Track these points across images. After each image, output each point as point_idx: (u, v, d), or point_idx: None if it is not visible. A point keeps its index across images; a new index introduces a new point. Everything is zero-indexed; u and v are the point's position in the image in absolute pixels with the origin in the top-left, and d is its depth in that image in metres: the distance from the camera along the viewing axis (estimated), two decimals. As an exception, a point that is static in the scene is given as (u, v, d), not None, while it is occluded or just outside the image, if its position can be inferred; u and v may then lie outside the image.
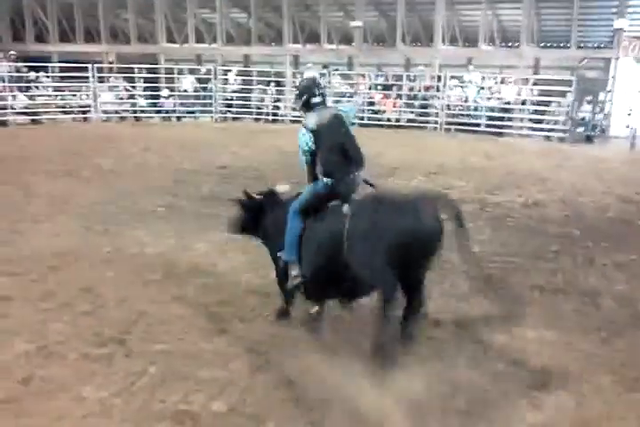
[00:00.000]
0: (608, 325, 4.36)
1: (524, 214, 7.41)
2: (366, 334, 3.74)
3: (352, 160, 3.89)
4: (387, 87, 16.77)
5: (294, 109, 16.71)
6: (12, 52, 18.24)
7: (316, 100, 4.05)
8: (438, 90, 15.74)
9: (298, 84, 4.49)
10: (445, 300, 4.77)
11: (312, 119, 3.94)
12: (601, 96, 14.92)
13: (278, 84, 17.83)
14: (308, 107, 4.06)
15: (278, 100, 17.37)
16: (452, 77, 15.96)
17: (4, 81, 15.54)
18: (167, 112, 16.78)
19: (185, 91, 17.34)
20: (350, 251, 3.55)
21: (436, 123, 15.46)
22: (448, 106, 15.46)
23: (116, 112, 16.32)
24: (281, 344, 3.97)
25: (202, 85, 17.38)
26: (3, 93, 15.08)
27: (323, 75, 17.28)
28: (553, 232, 6.65)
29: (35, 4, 23.96)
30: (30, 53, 21.33)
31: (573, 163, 11.13)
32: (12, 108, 15.20)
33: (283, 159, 10.56)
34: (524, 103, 15.18)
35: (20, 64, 17.10)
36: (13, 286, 4.87)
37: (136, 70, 17.17)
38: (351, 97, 16.78)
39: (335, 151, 3.87)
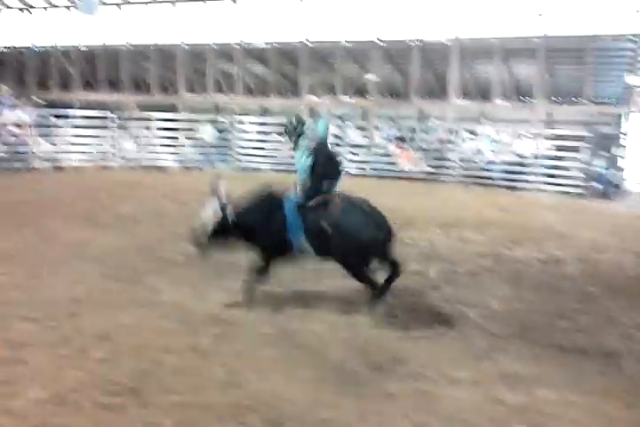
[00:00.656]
0: (632, 388, 4.26)
1: (542, 271, 7.34)
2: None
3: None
4: (401, 139, 17.01)
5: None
6: (37, 100, 18.87)
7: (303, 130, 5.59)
8: (452, 143, 15.95)
9: (288, 123, 5.74)
10: (462, 357, 4.70)
11: (306, 142, 5.51)
12: (615, 151, 15.04)
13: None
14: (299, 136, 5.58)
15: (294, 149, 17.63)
16: (466, 131, 16.20)
17: (29, 128, 15.98)
18: (185, 161, 17.07)
19: (203, 140, 17.70)
20: None
21: (451, 175, 15.59)
22: (463, 159, 15.62)
23: (136, 160, 16.63)
24: (296, 398, 3.92)
25: (220, 135, 17.75)
26: (27, 140, 15.46)
27: (339, 126, 17.62)
28: (572, 290, 6.59)
29: (60, 53, 24.90)
30: (54, 101, 22.00)
31: (590, 218, 11.11)
32: (34, 154, 15.54)
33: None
34: (538, 158, 15.31)
35: (43, 111, 17.64)
36: (30, 331, 4.87)
37: (156, 120, 17.61)
38: (367, 148, 17.03)
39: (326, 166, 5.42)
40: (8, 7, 25.89)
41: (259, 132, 18.22)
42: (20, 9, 25.63)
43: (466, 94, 19.90)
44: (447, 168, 15.80)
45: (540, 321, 5.52)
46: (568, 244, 8.83)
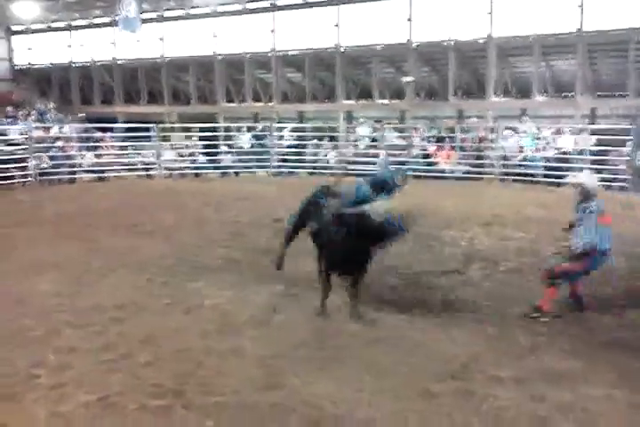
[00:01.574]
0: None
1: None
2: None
3: None
4: (440, 139, 16.86)
5: (348, 162, 17.03)
6: (80, 114, 19.47)
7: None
8: (492, 141, 15.71)
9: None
10: (504, 355, 4.63)
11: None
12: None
13: (332, 138, 18.21)
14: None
15: (331, 154, 17.70)
16: (507, 128, 15.93)
17: (73, 141, 16.49)
18: (225, 168, 17.30)
19: (242, 147, 17.92)
20: None
21: (491, 174, 15.36)
22: (504, 156, 15.37)
23: (178, 169, 16.95)
24: (335, 398, 3.93)
25: (258, 142, 17.94)
26: (72, 153, 15.94)
27: (376, 129, 17.59)
28: (618, 285, 6.41)
29: (102, 69, 25.66)
30: (98, 115, 22.66)
31: (635, 213, 10.77)
32: (80, 167, 16.01)
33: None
34: (581, 153, 14.95)
35: (88, 125, 18.18)
36: (77, 337, 5.01)
37: (196, 129, 17.92)
38: (404, 150, 16.94)
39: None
40: (53, 30, 26.82)
41: (296, 138, 18.34)
42: (65, 28, 26.51)
43: (505, 92, 19.61)
44: (487, 166, 15.57)
45: (584, 317, 5.40)
46: (613, 239, 8.58)
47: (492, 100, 18.71)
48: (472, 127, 17.03)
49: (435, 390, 4.08)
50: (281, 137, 18.09)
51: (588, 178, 6.07)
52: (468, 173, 15.63)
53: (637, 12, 16.17)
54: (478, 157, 15.93)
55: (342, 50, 20.82)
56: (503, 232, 8.92)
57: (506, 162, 15.35)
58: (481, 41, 18.34)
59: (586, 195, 5.73)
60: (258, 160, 17.45)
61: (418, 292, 6.32)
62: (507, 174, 15.03)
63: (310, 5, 21.06)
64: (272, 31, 21.90)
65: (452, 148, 16.17)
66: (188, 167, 17.19)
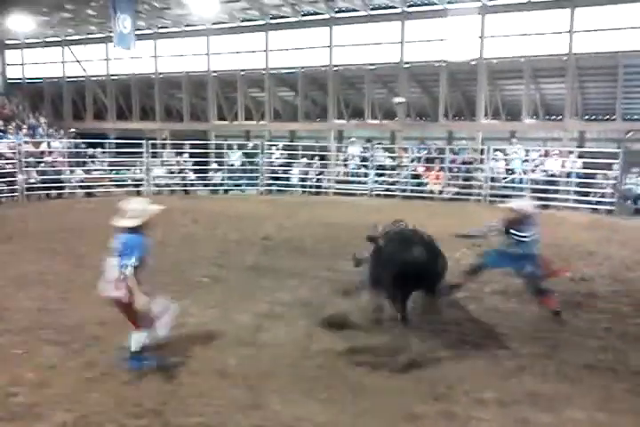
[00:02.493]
0: (664, 408, 4.12)
1: (572, 289, 7.18)
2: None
3: None
4: (429, 160, 16.98)
5: (337, 182, 17.11)
6: (71, 130, 19.47)
7: None
8: (482, 162, 15.85)
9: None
10: (489, 377, 4.62)
11: None
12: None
13: (323, 157, 18.31)
14: None
15: (322, 173, 17.76)
16: (496, 150, 16.09)
17: (63, 156, 16.47)
18: (215, 185, 17.32)
19: (232, 165, 17.95)
20: None
21: (479, 195, 15.46)
22: (492, 178, 15.49)
23: (167, 185, 16.94)
24: (317, 419, 3.90)
25: (249, 160, 17.99)
26: (62, 168, 15.91)
27: (366, 148, 17.71)
28: (602, 308, 6.43)
29: (95, 84, 25.72)
30: (89, 131, 22.66)
31: (621, 236, 10.84)
32: (69, 182, 15.97)
33: (325, 231, 10.70)
34: (569, 175, 15.10)
35: (78, 140, 18.18)
36: (58, 354, 4.96)
37: (187, 146, 17.97)
38: (394, 169, 17.05)
39: None
40: (47, 45, 26.92)
41: (287, 156, 18.43)
42: (59, 43, 26.61)
43: (495, 114, 19.81)
44: (476, 188, 15.69)
45: (568, 340, 5.40)
46: (599, 262, 8.64)
47: (481, 121, 18.87)
48: (462, 149, 17.19)
49: (418, 411, 4.07)
50: (271, 155, 18.17)
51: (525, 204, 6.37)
52: (457, 194, 15.75)
53: (626, 36, 16.45)
54: (467, 179, 16.07)
55: (335, 69, 21.00)
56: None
57: (494, 184, 15.48)
58: (472, 63, 18.55)
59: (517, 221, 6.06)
60: (248, 178, 17.48)
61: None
62: (495, 196, 15.14)
63: (304, 25, 21.28)
64: (266, 50, 22.08)
65: (442, 169, 16.29)
66: (178, 184, 17.19)
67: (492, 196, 15.19)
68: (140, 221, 5.01)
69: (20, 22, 22.00)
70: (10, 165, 14.76)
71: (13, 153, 14.90)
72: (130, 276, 4.65)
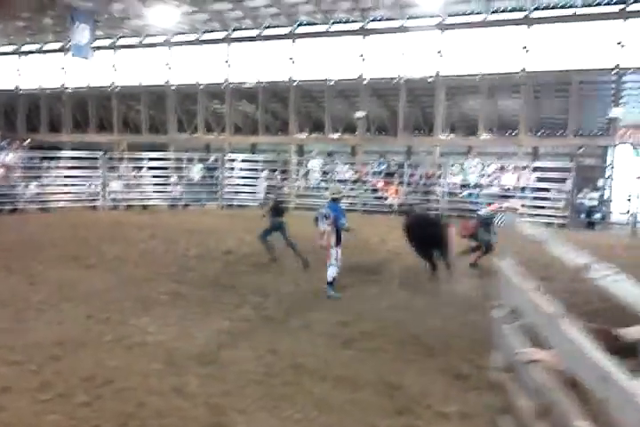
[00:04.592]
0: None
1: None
2: None
3: None
4: (389, 174, 17.19)
5: (298, 196, 17.12)
6: (25, 142, 19.00)
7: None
8: (439, 177, 16.13)
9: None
10: (451, 390, 4.66)
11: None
12: (600, 183, 15.24)
13: (284, 171, 18.33)
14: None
15: (282, 187, 17.77)
16: (453, 164, 16.40)
17: (17, 169, 16.05)
18: (174, 199, 17.13)
19: (192, 178, 17.80)
20: None
21: (437, 209, 15.71)
22: (449, 193, 15.78)
23: (124, 200, 16.66)
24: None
25: (209, 174, 17.87)
26: (14, 182, 15.50)
27: (327, 163, 17.82)
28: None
29: (50, 96, 25.22)
30: (44, 143, 22.16)
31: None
32: (23, 196, 15.55)
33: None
34: (523, 189, 15.48)
35: (33, 153, 17.75)
36: (12, 375, 4.79)
37: (145, 159, 17.76)
38: (354, 183, 17.19)
39: None
40: (1, 54, 26.33)
41: (247, 170, 18.38)
42: (14, 53, 26.05)
43: (452, 129, 20.22)
44: (434, 202, 15.94)
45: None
46: (553, 276, 8.84)
47: (439, 136, 19.24)
48: (420, 163, 17.47)
49: (381, 426, 4.07)
50: (232, 169, 18.10)
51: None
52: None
53: (579, 55, 17.05)
54: (425, 193, 16.32)
55: (295, 83, 21.12)
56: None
57: (451, 198, 15.77)
58: (430, 79, 18.93)
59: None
60: (208, 192, 17.36)
61: (365, 326, 6.32)
62: (452, 209, 15.42)
63: (265, 38, 21.38)
64: (226, 62, 22.07)
65: (400, 183, 16.51)
66: (135, 198, 16.93)
67: (449, 209, 15.47)
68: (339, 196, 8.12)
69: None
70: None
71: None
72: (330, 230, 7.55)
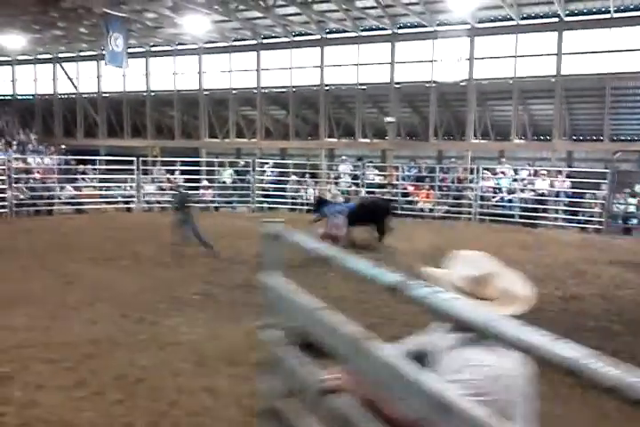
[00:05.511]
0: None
1: (562, 308, 7.21)
2: None
3: None
4: (420, 179, 17.09)
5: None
6: (61, 146, 19.41)
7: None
8: (471, 181, 15.97)
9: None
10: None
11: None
12: (637, 188, 14.90)
13: (314, 175, 18.37)
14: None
15: (313, 190, 17.81)
16: (485, 169, 16.23)
17: (53, 173, 16.41)
18: (206, 202, 17.30)
19: (224, 182, 17.97)
20: None
21: (469, 214, 15.56)
22: (482, 197, 15.60)
23: (158, 202, 16.89)
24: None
25: (240, 177, 18.02)
26: (51, 185, 15.84)
27: (357, 166, 17.79)
28: (593, 327, 6.45)
29: (86, 101, 25.74)
30: (80, 147, 22.62)
31: (610, 255, 10.93)
32: (59, 199, 15.89)
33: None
34: (557, 195, 15.24)
35: (68, 157, 18.13)
36: (48, 373, 4.88)
37: (178, 163, 17.99)
38: (384, 187, 17.13)
39: None
40: (39, 61, 26.99)
41: (277, 174, 18.47)
42: (51, 61, 26.68)
43: (484, 134, 20.03)
44: (466, 206, 15.79)
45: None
46: (589, 281, 8.69)
47: (471, 141, 19.07)
48: (451, 168, 17.34)
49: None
50: (262, 173, 18.21)
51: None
52: (447, 212, 15.84)
53: (613, 59, 16.75)
54: (457, 197, 16.17)
55: (326, 89, 21.18)
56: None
57: (484, 202, 15.59)
58: (461, 84, 18.78)
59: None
60: (239, 196, 17.49)
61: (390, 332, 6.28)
62: (485, 215, 15.24)
63: (295, 45, 21.50)
64: (257, 69, 22.26)
65: (432, 187, 16.39)
66: (169, 201, 17.15)
67: (481, 214, 15.30)
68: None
69: (12, 39, 22.06)
70: (-1, 181, 14.68)
71: (3, 169, 14.82)
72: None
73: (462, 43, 18.44)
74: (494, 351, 1.77)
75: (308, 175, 18.13)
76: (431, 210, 16.11)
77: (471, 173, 16.15)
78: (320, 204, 11.45)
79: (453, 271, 1.98)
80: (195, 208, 11.15)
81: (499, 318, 1.33)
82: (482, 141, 19.68)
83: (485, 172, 16.17)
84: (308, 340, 2.27)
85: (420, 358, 2.02)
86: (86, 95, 25.89)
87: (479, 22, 18.25)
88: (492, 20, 18.31)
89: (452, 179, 16.66)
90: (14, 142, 20.07)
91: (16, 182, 14.80)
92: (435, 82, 19.26)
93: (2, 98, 27.89)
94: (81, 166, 17.07)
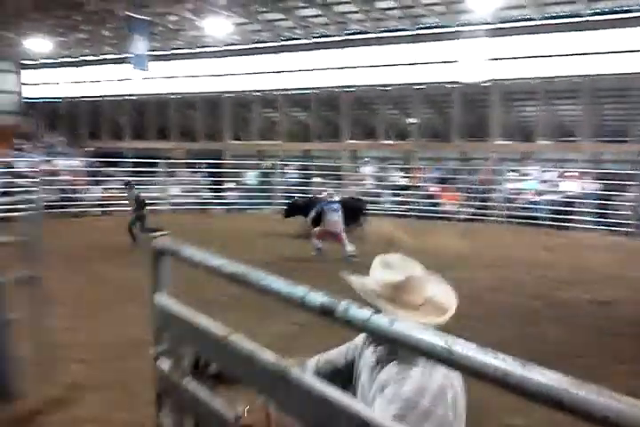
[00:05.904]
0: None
1: (593, 313, 7.09)
2: None
3: None
4: (444, 180, 16.99)
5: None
6: (88, 148, 19.66)
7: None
8: (497, 184, 15.84)
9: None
10: (516, 404, 4.54)
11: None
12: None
13: (337, 177, 18.38)
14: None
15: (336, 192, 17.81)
16: (510, 171, 16.08)
17: (81, 175, 16.62)
18: (230, 204, 17.40)
19: (247, 184, 18.06)
20: None
21: (496, 216, 15.41)
22: (508, 199, 15.45)
23: (182, 204, 17.03)
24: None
25: (263, 179, 18.09)
26: (78, 187, 16.04)
27: (381, 168, 17.76)
28: (625, 333, 6.35)
29: (111, 104, 26.05)
30: (105, 150, 22.89)
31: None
32: (86, 201, 16.09)
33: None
34: (586, 197, 15.03)
35: (95, 159, 18.35)
36: (81, 372, 4.94)
37: (203, 165, 18.12)
38: (408, 189, 17.07)
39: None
40: (63, 65, 27.38)
41: (300, 176, 18.51)
42: (75, 64, 27.06)
43: (509, 135, 19.85)
44: (491, 209, 15.65)
45: (596, 366, 5.31)
46: (619, 285, 8.55)
47: (495, 142, 18.92)
48: (476, 169, 17.21)
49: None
50: (286, 174, 18.26)
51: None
52: (473, 214, 15.71)
53: (640, 58, 16.51)
54: (483, 200, 16.03)
55: (348, 90, 21.18)
56: (508, 274, 8.89)
57: (510, 204, 15.43)
58: (485, 84, 18.66)
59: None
60: (263, 197, 17.55)
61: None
62: (512, 217, 15.08)
63: (316, 47, 21.54)
64: (279, 71, 22.34)
65: (457, 189, 16.29)
66: (194, 203, 17.29)
67: (508, 217, 15.14)
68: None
69: (38, 43, 22.41)
70: (29, 183, 14.89)
71: (31, 172, 15.06)
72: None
73: (485, 43, 18.32)
74: (427, 363, 1.60)
75: (330, 177, 18.15)
76: (457, 212, 16.00)
77: (496, 174, 16.02)
78: (310, 205, 11.72)
79: (374, 277, 1.79)
80: (147, 209, 11.82)
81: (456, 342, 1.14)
82: (506, 142, 19.51)
83: (511, 173, 16.02)
84: (213, 369, 1.98)
85: (343, 373, 1.91)
86: (111, 98, 26.19)
87: (501, 22, 18.12)
88: (515, 20, 18.16)
89: (477, 181, 16.54)
90: (41, 145, 20.38)
91: (44, 184, 15.02)
92: (457, 82, 19.15)
93: (29, 101, 28.32)
94: (109, 169, 17.28)
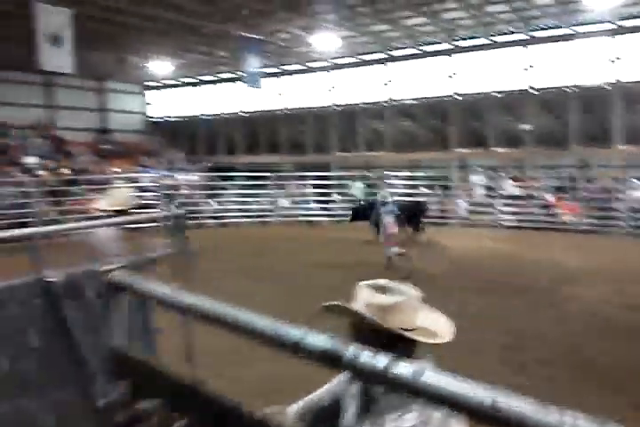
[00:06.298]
0: None
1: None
2: None
3: None
4: (562, 189, 16.15)
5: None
6: (206, 164, 20.66)
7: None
8: (620, 192, 14.83)
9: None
10: None
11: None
12: None
13: (445, 187, 18.03)
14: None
15: (443, 202, 17.49)
16: (634, 178, 15.02)
17: (200, 189, 17.51)
18: (337, 215, 17.57)
19: (354, 195, 18.16)
20: None
21: (618, 227, 14.40)
22: (634, 209, 14.39)
23: (291, 215, 17.44)
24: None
25: (370, 190, 18.10)
26: (198, 200, 16.91)
27: (492, 178, 17.22)
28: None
29: (225, 122, 27.22)
30: (220, 164, 23.92)
31: None
32: (205, 213, 16.90)
33: (455, 263, 10.44)
34: None
35: (212, 174, 19.24)
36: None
37: (310, 178, 18.47)
38: (522, 198, 16.39)
39: None
40: (181, 85, 29.03)
41: (408, 186, 18.34)
42: (193, 84, 28.60)
43: (632, 140, 18.56)
44: (614, 219, 14.66)
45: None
46: None
47: (618, 148, 17.76)
48: (596, 177, 16.23)
49: None
50: (393, 185, 18.15)
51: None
52: (594, 225, 14.77)
53: None
54: (604, 210, 15.04)
55: (458, 99, 20.78)
56: (638, 292, 8.21)
57: (636, 215, 14.36)
58: (606, 87, 17.61)
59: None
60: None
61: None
62: (637, 228, 14.02)
63: (424, 55, 21.35)
64: (386, 83, 22.34)
65: (575, 199, 15.41)
66: (302, 214, 17.64)
67: (635, 228, 14.08)
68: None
69: (160, 66, 23.88)
70: (153, 197, 15.85)
71: (155, 186, 16.03)
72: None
73: (604, 43, 17.32)
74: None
75: (437, 187, 17.84)
76: (576, 223, 15.09)
77: (619, 182, 15.00)
78: (369, 208, 12.33)
79: (362, 299, 1.74)
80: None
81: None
82: (630, 148, 18.25)
83: (635, 181, 14.95)
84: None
85: (328, 412, 1.82)
86: (226, 115, 27.39)
87: (621, 19, 17.04)
88: (636, 17, 17.02)
89: (597, 189, 15.57)
90: (164, 161, 21.65)
91: (166, 198, 15.93)
92: (576, 86, 18.22)
93: (152, 120, 30.23)
94: (226, 183, 18.09)
